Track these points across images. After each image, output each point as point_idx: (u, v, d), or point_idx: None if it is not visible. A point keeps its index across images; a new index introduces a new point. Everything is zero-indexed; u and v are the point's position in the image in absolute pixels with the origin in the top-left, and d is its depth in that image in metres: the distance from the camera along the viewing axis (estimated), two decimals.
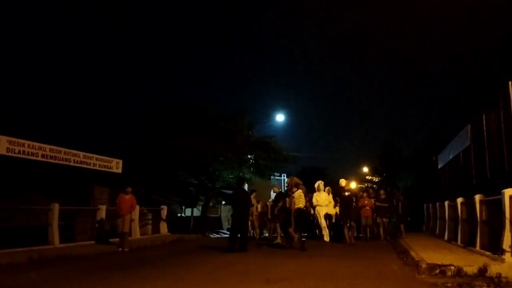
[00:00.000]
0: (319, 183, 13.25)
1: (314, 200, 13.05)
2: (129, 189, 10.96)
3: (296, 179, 11.29)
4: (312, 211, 12.66)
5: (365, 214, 13.35)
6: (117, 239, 10.97)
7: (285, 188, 16.56)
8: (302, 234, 10.39)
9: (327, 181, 14.87)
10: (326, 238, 12.86)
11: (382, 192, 14.47)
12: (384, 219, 13.65)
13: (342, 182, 12.58)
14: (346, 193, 12.31)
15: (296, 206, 10.48)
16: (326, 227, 13.01)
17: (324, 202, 13.04)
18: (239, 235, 10.02)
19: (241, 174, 20.20)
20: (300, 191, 10.69)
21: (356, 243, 11.99)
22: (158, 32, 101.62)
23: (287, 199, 11.39)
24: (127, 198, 10.82)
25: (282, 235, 13.08)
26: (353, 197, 12.59)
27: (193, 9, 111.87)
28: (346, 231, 11.95)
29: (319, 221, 12.93)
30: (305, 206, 10.86)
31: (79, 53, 76.77)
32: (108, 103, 75.81)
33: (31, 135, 12.05)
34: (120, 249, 10.45)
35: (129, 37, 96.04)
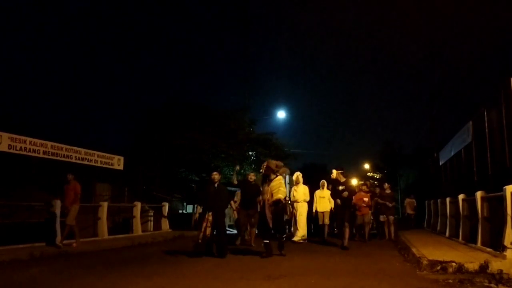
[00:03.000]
0: (297, 175, 11.71)
1: (291, 195, 11.78)
2: (70, 176, 9.39)
3: (276, 162, 8.89)
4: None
5: (360, 212, 11.62)
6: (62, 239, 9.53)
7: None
8: (280, 235, 8.57)
9: (327, 178, 14.37)
10: (297, 238, 11.08)
11: (386, 185, 13.07)
12: (390, 217, 12.48)
13: (334, 173, 9.83)
14: (340, 187, 9.62)
15: (274, 197, 8.37)
16: (304, 227, 11.34)
17: (301, 197, 11.46)
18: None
19: (242, 170, 20.24)
20: (280, 177, 8.66)
21: (351, 244, 9.96)
22: (160, 30, 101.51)
23: (265, 188, 8.82)
24: (70, 187, 9.47)
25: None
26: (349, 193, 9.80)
27: (195, 7, 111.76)
28: (346, 231, 9.69)
29: (296, 218, 11.38)
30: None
31: (82, 50, 76.80)
32: (110, 101, 75.94)
33: (33, 132, 12.05)
34: (59, 239, 9.22)
35: (131, 35, 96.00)
